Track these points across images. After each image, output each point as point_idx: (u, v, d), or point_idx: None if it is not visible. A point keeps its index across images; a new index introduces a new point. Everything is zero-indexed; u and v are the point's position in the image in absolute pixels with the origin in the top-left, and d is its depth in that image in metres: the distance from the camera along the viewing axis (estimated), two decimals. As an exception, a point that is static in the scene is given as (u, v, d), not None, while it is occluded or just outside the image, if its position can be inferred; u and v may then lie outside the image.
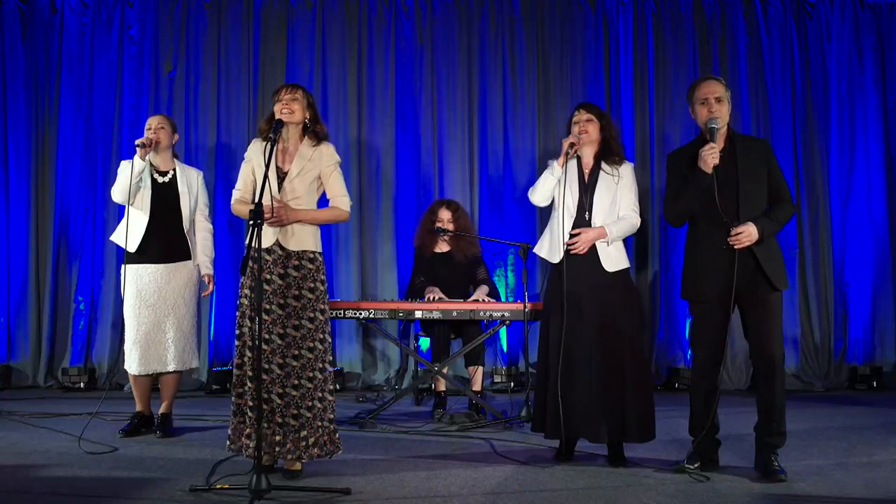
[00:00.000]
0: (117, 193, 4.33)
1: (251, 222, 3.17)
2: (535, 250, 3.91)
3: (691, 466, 3.54)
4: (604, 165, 3.77)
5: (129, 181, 4.19)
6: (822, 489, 3.29)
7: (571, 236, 3.70)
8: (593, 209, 3.74)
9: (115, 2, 6.34)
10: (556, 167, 3.76)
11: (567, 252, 3.71)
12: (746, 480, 3.42)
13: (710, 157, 3.43)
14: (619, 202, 3.75)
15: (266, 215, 3.37)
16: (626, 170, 3.79)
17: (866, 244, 6.47)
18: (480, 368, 5.14)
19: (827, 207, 6.47)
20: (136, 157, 4.20)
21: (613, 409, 3.62)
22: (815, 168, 6.46)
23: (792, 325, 6.25)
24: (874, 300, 6.45)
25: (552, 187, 3.80)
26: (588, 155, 3.82)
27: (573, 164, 3.82)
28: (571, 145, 3.73)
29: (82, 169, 6.29)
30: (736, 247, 3.44)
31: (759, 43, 6.52)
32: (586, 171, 3.80)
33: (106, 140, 6.29)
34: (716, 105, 3.51)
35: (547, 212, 3.95)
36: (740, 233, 3.42)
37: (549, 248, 3.79)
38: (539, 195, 3.83)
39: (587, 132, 3.76)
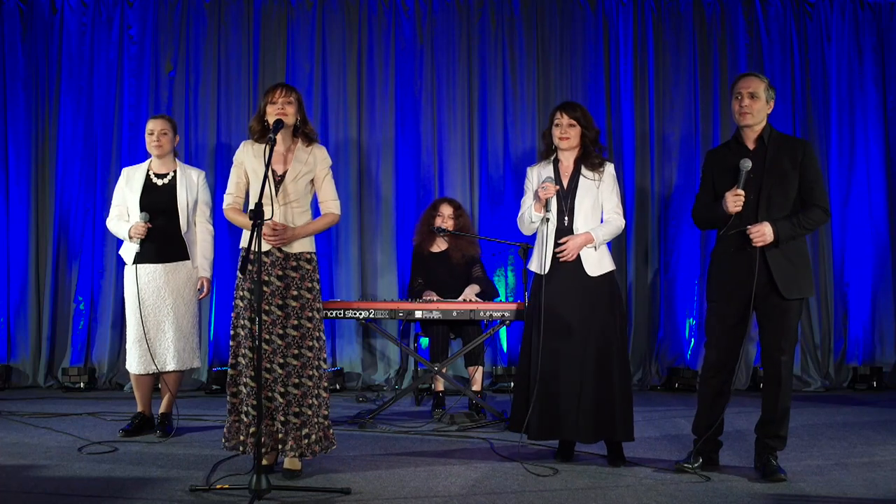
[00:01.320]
0: (110, 228, 4.49)
1: (251, 223, 3.18)
2: (528, 267, 3.90)
3: (691, 466, 3.55)
4: (584, 170, 3.77)
5: (124, 236, 4.34)
6: (822, 489, 3.30)
7: (558, 244, 3.70)
8: (574, 214, 3.74)
9: (115, 2, 6.34)
10: (533, 212, 3.75)
11: (555, 260, 3.71)
12: (746, 480, 3.42)
13: (734, 205, 3.42)
14: (601, 205, 3.76)
15: (268, 240, 3.39)
16: (608, 172, 3.78)
17: (866, 244, 6.47)
18: (480, 368, 5.14)
19: (827, 207, 6.45)
20: (127, 242, 4.32)
21: (602, 409, 3.64)
22: (816, 168, 6.45)
23: (792, 324, 6.24)
24: (874, 300, 6.44)
25: (536, 226, 3.80)
26: (568, 159, 3.81)
27: (550, 168, 3.82)
28: (547, 202, 3.71)
29: (82, 169, 6.28)
30: (750, 247, 3.43)
31: (759, 43, 6.51)
32: (566, 176, 3.79)
33: (106, 140, 6.28)
34: (747, 100, 3.48)
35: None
36: (754, 231, 3.41)
37: (538, 260, 3.78)
38: (527, 230, 3.86)
39: (568, 138, 3.75)
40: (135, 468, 3.61)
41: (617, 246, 5.95)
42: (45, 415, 4.88)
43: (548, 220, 3.73)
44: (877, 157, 6.51)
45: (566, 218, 3.74)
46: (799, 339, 6.24)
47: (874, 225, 6.47)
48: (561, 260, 3.71)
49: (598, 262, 3.73)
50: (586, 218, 3.73)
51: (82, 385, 6.02)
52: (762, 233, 3.40)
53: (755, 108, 3.49)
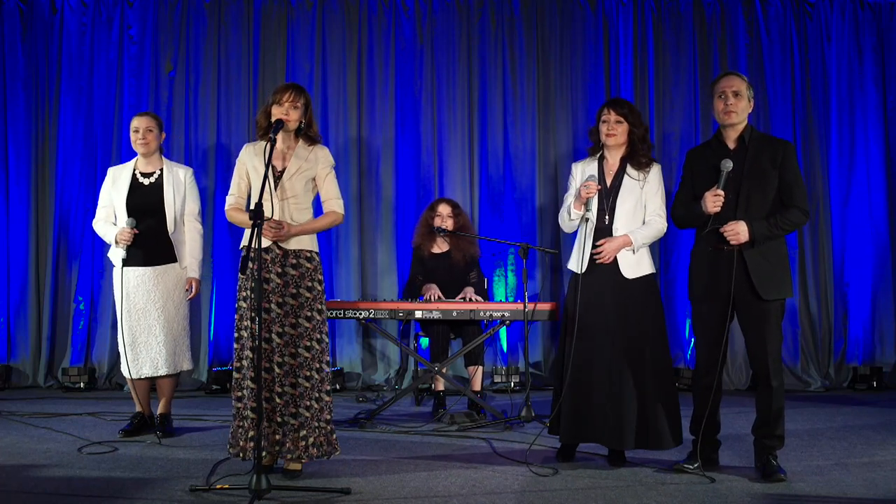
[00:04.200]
0: (97, 231, 4.45)
1: (251, 223, 3.18)
2: (568, 265, 3.84)
3: (691, 466, 3.54)
4: (629, 169, 3.70)
5: (110, 241, 4.31)
6: (822, 489, 3.30)
7: (596, 245, 3.66)
8: (615, 215, 3.67)
9: (115, 2, 6.34)
10: (573, 210, 3.71)
11: (592, 260, 3.67)
12: (746, 480, 3.42)
13: (713, 205, 3.42)
14: (644, 206, 3.68)
15: (267, 234, 3.39)
16: (654, 173, 3.70)
17: (866, 244, 6.47)
18: (480, 368, 5.13)
19: (827, 207, 6.46)
20: (114, 247, 4.29)
21: (635, 415, 3.57)
22: (815, 168, 6.46)
23: (792, 324, 6.25)
24: (874, 300, 6.44)
25: (576, 224, 3.75)
26: (614, 157, 3.75)
27: (594, 165, 3.77)
28: (587, 201, 3.66)
29: (82, 169, 6.28)
30: (726, 246, 3.44)
31: (759, 43, 6.51)
32: (610, 175, 3.73)
33: (106, 140, 6.29)
34: (732, 98, 3.48)
35: (547, 215, 3.93)
36: (728, 229, 3.41)
37: (576, 259, 3.73)
38: (567, 227, 3.82)
39: (615, 135, 3.68)
40: (135, 468, 3.61)
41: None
42: (45, 415, 4.88)
43: (587, 219, 3.68)
44: (877, 157, 6.51)
45: (606, 217, 3.68)
46: (799, 339, 6.32)
47: (874, 225, 6.47)
48: (598, 262, 3.66)
49: (635, 265, 3.65)
50: (627, 218, 3.66)
51: (82, 385, 6.02)
52: (736, 231, 3.40)
53: (739, 106, 3.49)
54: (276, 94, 3.56)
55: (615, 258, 3.64)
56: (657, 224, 3.69)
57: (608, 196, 3.70)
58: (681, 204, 3.67)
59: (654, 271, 3.74)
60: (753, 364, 3.54)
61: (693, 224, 3.62)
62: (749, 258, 3.42)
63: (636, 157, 3.70)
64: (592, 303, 3.64)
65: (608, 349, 3.60)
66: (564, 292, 4.08)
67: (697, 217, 3.54)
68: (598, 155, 3.80)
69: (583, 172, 3.77)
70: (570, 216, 3.73)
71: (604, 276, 3.65)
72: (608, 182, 3.73)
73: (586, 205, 3.66)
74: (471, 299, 5.00)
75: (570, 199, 3.77)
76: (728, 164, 3.41)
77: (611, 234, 3.66)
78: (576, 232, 3.79)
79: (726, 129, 3.55)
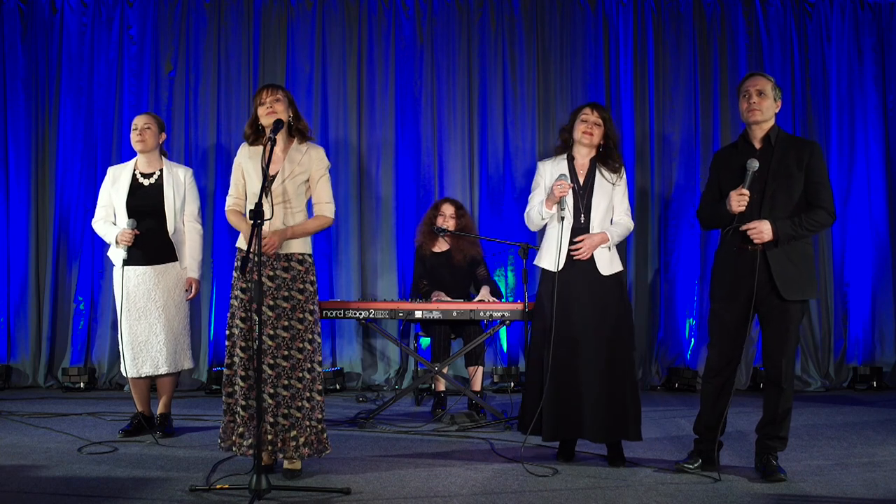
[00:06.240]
0: (97, 230, 4.44)
1: (249, 226, 3.19)
2: (535, 262, 3.87)
3: (691, 466, 3.55)
4: (602, 170, 3.76)
5: (110, 241, 4.31)
6: (822, 489, 3.30)
7: (573, 242, 3.69)
8: (591, 213, 3.72)
9: (115, 2, 6.34)
10: (544, 210, 3.74)
11: (568, 258, 3.70)
12: (746, 480, 3.43)
13: (737, 204, 3.41)
14: (615, 207, 3.77)
15: (266, 250, 3.40)
16: (624, 176, 3.81)
17: (866, 244, 6.47)
18: (480, 368, 5.14)
19: (827, 207, 6.45)
20: (114, 247, 4.28)
21: (613, 409, 3.63)
22: (815, 168, 6.45)
23: (792, 324, 6.25)
24: (874, 300, 6.45)
25: (546, 223, 3.80)
26: (584, 157, 3.80)
27: (564, 164, 3.80)
28: (561, 200, 3.69)
29: (82, 169, 6.28)
30: (751, 246, 3.43)
31: (759, 43, 6.51)
32: (581, 175, 3.78)
33: (106, 140, 6.29)
34: (756, 98, 3.48)
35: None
36: (752, 228, 3.40)
37: (551, 258, 3.74)
38: (535, 226, 3.87)
39: (592, 134, 3.73)
40: (134, 468, 3.61)
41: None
42: (45, 415, 4.88)
43: (563, 218, 3.71)
44: (877, 157, 6.51)
45: (582, 216, 3.73)
46: (799, 340, 6.31)
47: (874, 225, 6.48)
48: (575, 258, 3.70)
49: (609, 262, 3.73)
50: (602, 217, 3.73)
51: (82, 385, 6.02)
52: (760, 230, 3.39)
53: (764, 105, 3.49)
54: (256, 99, 3.58)
55: (591, 256, 3.70)
56: (628, 223, 3.81)
57: (583, 195, 3.75)
58: (706, 204, 3.68)
59: (623, 269, 3.83)
60: (767, 364, 3.53)
61: (718, 224, 3.61)
62: (772, 258, 3.41)
63: (611, 159, 3.78)
64: (571, 300, 3.68)
65: (585, 345, 3.65)
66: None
67: (722, 217, 3.53)
68: (565, 154, 3.83)
69: (552, 172, 3.79)
70: (543, 216, 3.76)
71: (581, 274, 3.70)
72: (581, 181, 3.78)
73: (559, 203, 3.68)
74: (488, 300, 4.96)
75: (537, 198, 3.81)
76: (754, 164, 3.41)
77: (587, 233, 3.71)
78: (544, 229, 3.83)
79: (752, 128, 3.54)
